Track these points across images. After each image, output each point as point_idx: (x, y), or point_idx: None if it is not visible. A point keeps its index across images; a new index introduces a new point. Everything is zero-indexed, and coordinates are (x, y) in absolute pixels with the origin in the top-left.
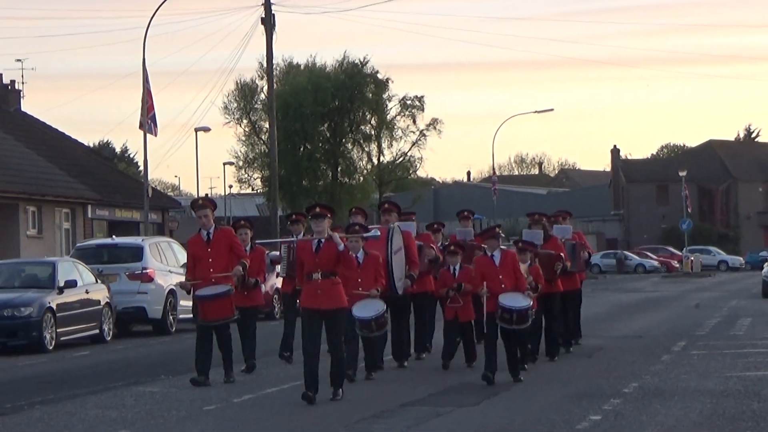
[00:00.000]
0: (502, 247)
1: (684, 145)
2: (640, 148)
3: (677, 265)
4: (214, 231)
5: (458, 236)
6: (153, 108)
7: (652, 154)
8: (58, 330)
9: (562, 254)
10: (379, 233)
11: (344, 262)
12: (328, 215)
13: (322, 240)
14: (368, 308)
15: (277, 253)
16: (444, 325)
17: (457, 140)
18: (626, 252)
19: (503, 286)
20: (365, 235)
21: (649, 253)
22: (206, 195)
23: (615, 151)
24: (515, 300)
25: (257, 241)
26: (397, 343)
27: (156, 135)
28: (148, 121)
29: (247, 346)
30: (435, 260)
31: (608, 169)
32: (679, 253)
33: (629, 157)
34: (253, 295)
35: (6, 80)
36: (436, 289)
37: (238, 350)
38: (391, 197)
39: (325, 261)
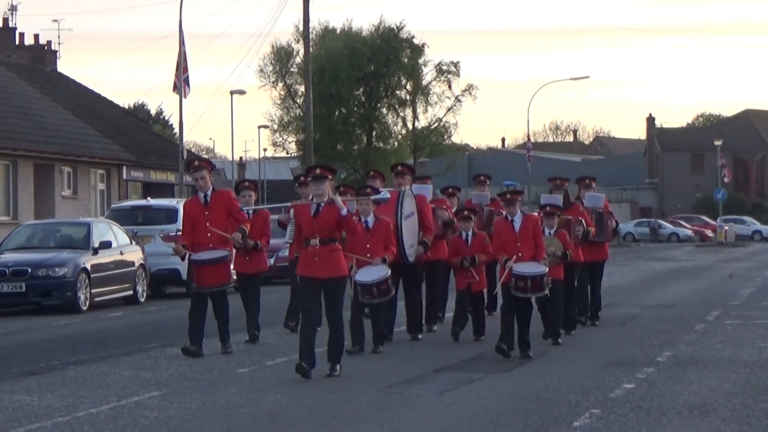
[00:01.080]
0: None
1: (720, 115)
2: (675, 117)
3: (711, 235)
4: (211, 193)
5: (474, 201)
6: (187, 70)
7: (688, 123)
8: (92, 291)
9: (581, 219)
10: (389, 196)
11: (347, 228)
12: (329, 177)
13: (322, 204)
14: (371, 273)
15: (286, 214)
16: (456, 294)
17: (492, 106)
18: (660, 221)
19: (520, 254)
20: (373, 197)
21: (683, 222)
22: (202, 156)
23: (650, 120)
24: (529, 266)
25: (257, 207)
26: (410, 315)
27: (186, 96)
28: (183, 84)
29: (249, 315)
30: (449, 223)
31: (643, 137)
32: (713, 223)
33: (664, 126)
34: (256, 261)
35: (42, 41)
36: (448, 257)
37: (238, 320)
38: (426, 162)
39: (323, 226)
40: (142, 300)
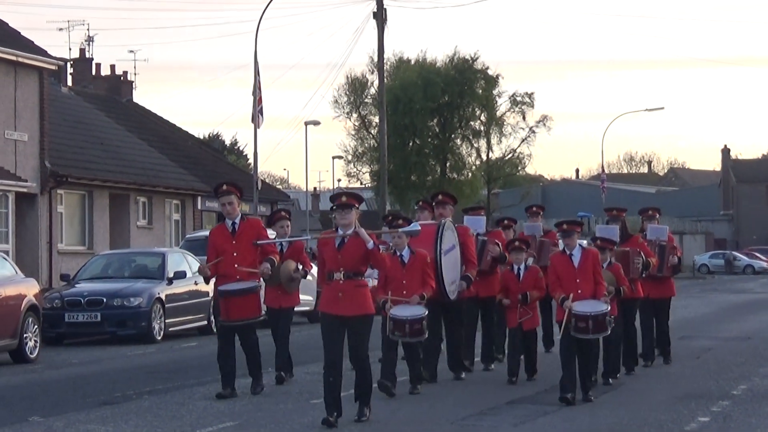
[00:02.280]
0: (582, 244)
1: None
2: (751, 149)
3: None
4: (240, 221)
5: (526, 232)
6: (261, 101)
7: (764, 155)
8: (166, 320)
9: (640, 251)
10: (419, 228)
11: (374, 262)
12: (356, 206)
13: (347, 235)
14: (407, 309)
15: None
16: (508, 334)
17: (567, 137)
18: (735, 252)
19: (579, 291)
20: (402, 230)
21: (758, 254)
22: (231, 180)
23: (725, 151)
24: (590, 305)
25: (259, 242)
26: (451, 354)
27: (259, 126)
28: (258, 114)
29: (278, 353)
30: (500, 258)
31: (718, 168)
32: None
33: (740, 157)
34: (290, 294)
35: (119, 71)
36: (498, 292)
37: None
38: (500, 194)
39: (349, 259)
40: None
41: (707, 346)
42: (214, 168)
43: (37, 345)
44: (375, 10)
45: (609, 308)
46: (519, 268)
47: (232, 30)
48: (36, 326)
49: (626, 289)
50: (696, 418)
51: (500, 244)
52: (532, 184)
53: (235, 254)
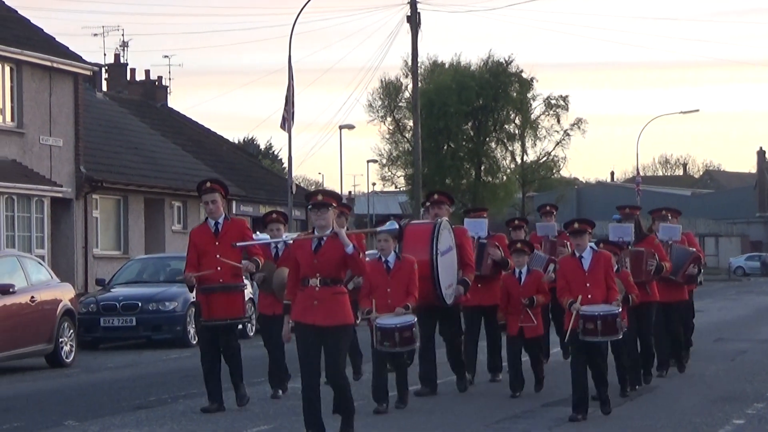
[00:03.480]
0: (593, 246)
1: None
2: None
3: None
4: (224, 221)
5: (539, 233)
6: (293, 105)
7: None
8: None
9: (654, 252)
10: (396, 226)
11: (353, 267)
12: (334, 205)
13: (325, 237)
14: (394, 318)
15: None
16: (507, 343)
17: (602, 140)
18: None
19: (590, 296)
20: (379, 229)
21: None
22: (216, 178)
23: (761, 153)
24: (600, 307)
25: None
26: (454, 365)
27: (288, 131)
28: (290, 119)
29: (271, 364)
30: (501, 263)
31: (754, 170)
32: None
33: None
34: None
35: (153, 76)
36: (501, 298)
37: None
38: (534, 197)
39: (326, 264)
40: (251, 334)
41: (742, 348)
42: (248, 172)
43: (73, 349)
44: (409, 14)
45: (620, 310)
46: (521, 272)
47: (266, 34)
48: (72, 331)
49: (635, 297)
50: (731, 420)
51: (501, 247)
52: (566, 187)
53: (217, 255)
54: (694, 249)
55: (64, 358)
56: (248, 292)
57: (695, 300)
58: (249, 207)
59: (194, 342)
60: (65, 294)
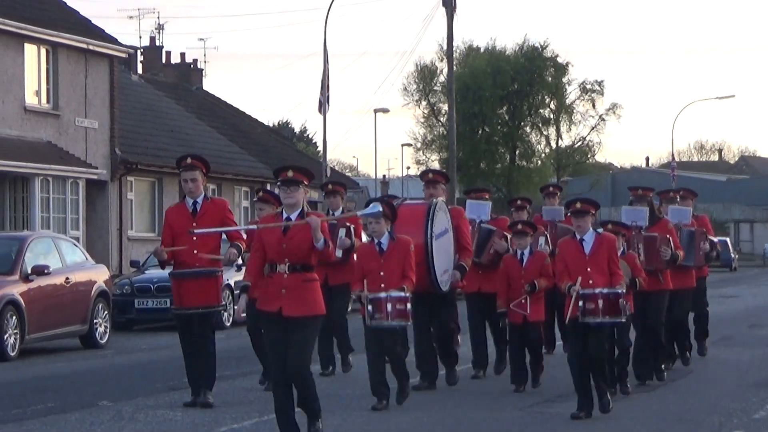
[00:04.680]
0: (598, 230)
1: None
2: None
3: None
4: (203, 201)
5: (545, 217)
6: (329, 88)
7: None
8: (234, 307)
9: (670, 238)
10: (379, 209)
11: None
12: (305, 182)
13: (292, 218)
14: (387, 292)
15: None
16: (509, 332)
17: (637, 125)
18: None
19: (591, 282)
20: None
21: None
22: (197, 154)
23: None
24: (601, 288)
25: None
26: (443, 352)
27: (324, 114)
28: (324, 100)
29: (262, 359)
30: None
31: None
32: None
33: None
34: None
35: (189, 59)
36: (500, 282)
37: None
38: (569, 181)
39: (295, 249)
40: (228, 324)
41: None
42: (283, 155)
43: (107, 331)
44: None
45: (624, 292)
46: (522, 254)
47: (301, 18)
48: (106, 312)
49: (643, 282)
50: (765, 406)
51: (508, 237)
52: (601, 173)
53: (194, 239)
54: (700, 228)
55: (99, 339)
56: (227, 276)
57: (724, 288)
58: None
59: (228, 324)
60: (100, 275)
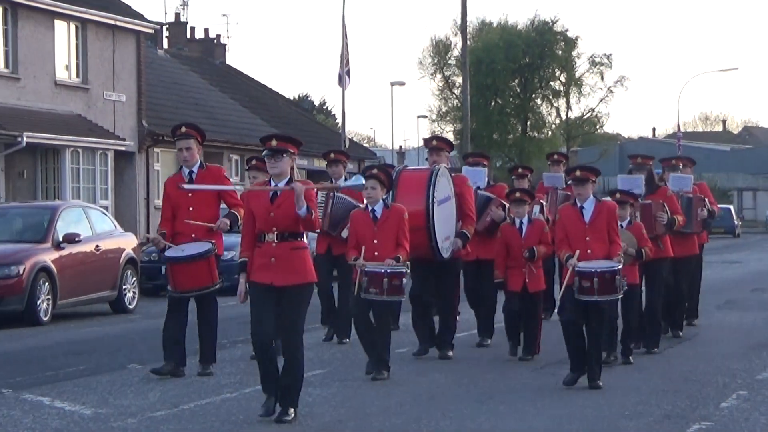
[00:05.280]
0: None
1: None
2: None
3: None
4: (198, 170)
5: (546, 183)
6: (348, 62)
7: None
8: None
9: (665, 204)
10: (362, 181)
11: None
12: (291, 151)
13: (281, 188)
14: (384, 266)
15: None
16: (505, 301)
17: (644, 97)
18: None
19: (589, 251)
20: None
21: None
22: (192, 123)
23: None
24: (598, 263)
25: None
26: (441, 325)
27: (345, 88)
28: (344, 75)
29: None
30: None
31: None
32: None
33: None
34: None
35: (212, 34)
36: (498, 252)
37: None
38: (578, 151)
39: (283, 217)
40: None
41: None
42: (303, 127)
43: (135, 296)
44: None
45: (620, 267)
46: (522, 222)
47: None
48: (134, 278)
49: (649, 251)
50: None
51: (507, 206)
52: (609, 142)
53: (190, 209)
54: (700, 195)
55: (127, 304)
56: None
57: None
58: (304, 160)
59: None
60: (128, 243)
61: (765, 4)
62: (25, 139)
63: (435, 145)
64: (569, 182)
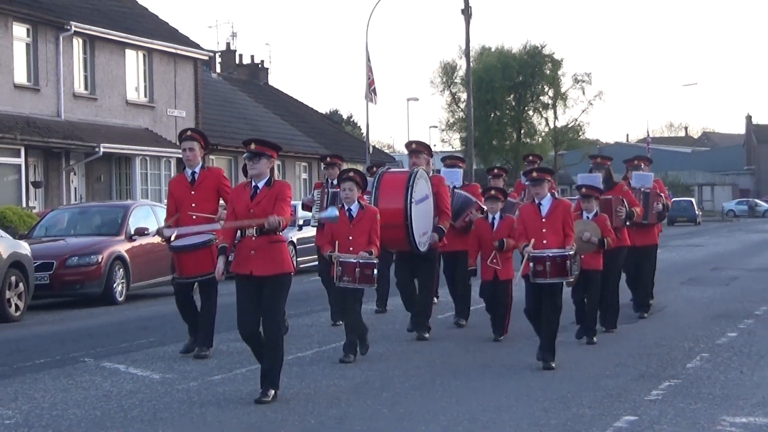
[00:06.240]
0: (557, 196)
1: None
2: None
3: None
4: (200, 170)
5: (523, 182)
6: (374, 82)
7: None
8: (297, 259)
9: (623, 198)
10: (336, 213)
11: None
12: (269, 154)
13: (260, 186)
14: (357, 256)
15: (310, 196)
16: (480, 288)
17: (618, 108)
18: (756, 200)
19: (545, 242)
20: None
21: None
22: (197, 129)
23: (748, 117)
24: (550, 249)
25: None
26: (419, 310)
27: (376, 103)
28: (371, 93)
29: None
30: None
31: (743, 132)
32: None
33: (760, 123)
34: None
35: (257, 60)
36: (470, 243)
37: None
38: (564, 154)
39: (262, 213)
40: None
41: (734, 275)
42: (333, 137)
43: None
44: (463, 8)
45: (572, 254)
46: (494, 218)
47: (347, 24)
48: None
49: (611, 241)
50: (726, 333)
51: (475, 195)
52: (590, 147)
53: (193, 205)
54: (652, 189)
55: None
56: (290, 234)
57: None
58: None
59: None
60: None
61: (720, 33)
62: (101, 149)
63: (414, 148)
64: (527, 183)
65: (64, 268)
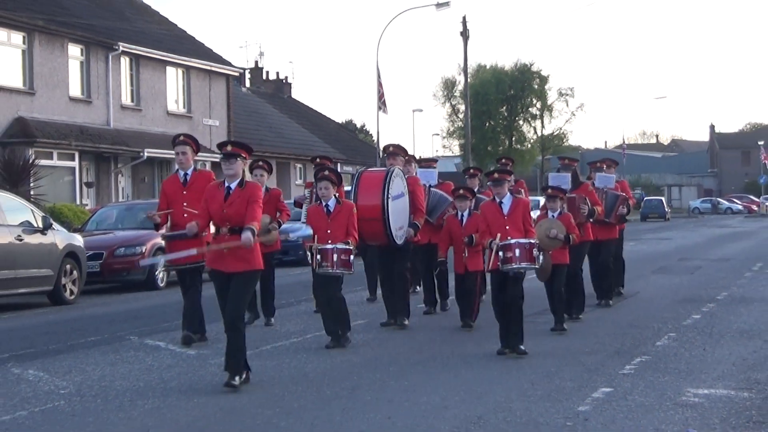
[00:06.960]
0: (517, 195)
1: (762, 123)
2: (731, 124)
3: (756, 209)
4: (192, 173)
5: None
6: (384, 95)
7: (740, 129)
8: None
9: (586, 197)
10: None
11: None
12: (243, 155)
13: (232, 187)
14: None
15: (303, 195)
16: (455, 280)
17: (598, 118)
18: (719, 198)
19: (509, 237)
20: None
21: (735, 200)
22: (190, 134)
23: (712, 126)
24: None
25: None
26: (398, 299)
27: (387, 114)
28: (382, 105)
29: (265, 300)
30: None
31: (707, 139)
32: (758, 200)
33: (722, 131)
34: (269, 246)
35: (282, 76)
36: (441, 237)
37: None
38: (550, 159)
39: (234, 214)
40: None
41: (699, 265)
42: (348, 143)
43: None
44: (461, 31)
45: (537, 242)
46: (463, 215)
47: (361, 43)
48: None
49: (575, 237)
50: (691, 315)
51: (447, 193)
52: (573, 152)
53: (185, 204)
54: (623, 194)
55: None
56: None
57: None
58: (349, 167)
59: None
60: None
61: (687, 52)
62: (145, 154)
63: (391, 151)
64: (488, 183)
65: (113, 257)
